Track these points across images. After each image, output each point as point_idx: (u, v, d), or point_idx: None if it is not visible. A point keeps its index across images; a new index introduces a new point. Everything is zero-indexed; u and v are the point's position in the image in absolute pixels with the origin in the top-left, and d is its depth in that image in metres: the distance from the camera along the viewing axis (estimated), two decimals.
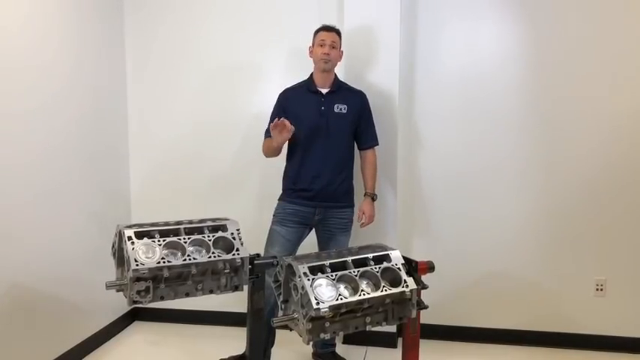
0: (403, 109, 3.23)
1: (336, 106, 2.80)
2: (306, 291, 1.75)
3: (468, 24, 3.20)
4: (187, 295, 2.05)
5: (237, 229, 2.16)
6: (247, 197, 3.47)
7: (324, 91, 2.83)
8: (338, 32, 2.83)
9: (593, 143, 3.11)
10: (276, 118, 2.62)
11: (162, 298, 2.00)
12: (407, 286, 1.91)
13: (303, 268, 1.81)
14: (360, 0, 3.11)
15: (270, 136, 2.74)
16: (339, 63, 2.88)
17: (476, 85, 3.21)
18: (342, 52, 2.89)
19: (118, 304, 3.14)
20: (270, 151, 2.82)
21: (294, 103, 2.84)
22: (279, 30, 3.35)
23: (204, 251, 2.05)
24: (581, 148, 3.12)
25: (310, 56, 2.84)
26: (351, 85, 2.95)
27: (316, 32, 2.83)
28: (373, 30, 3.11)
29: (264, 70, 3.41)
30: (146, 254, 1.94)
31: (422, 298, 2.04)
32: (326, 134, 2.78)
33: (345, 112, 2.81)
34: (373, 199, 2.93)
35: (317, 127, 2.77)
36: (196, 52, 3.47)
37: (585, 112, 3.10)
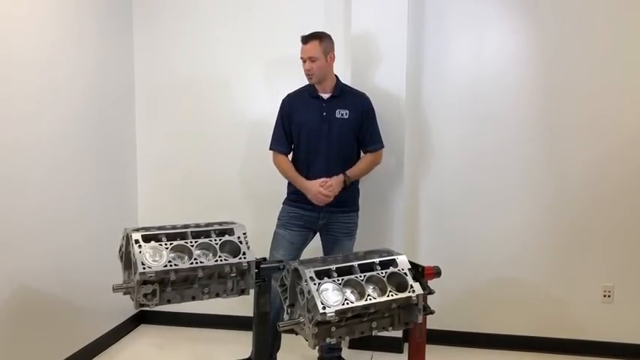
0: (410, 114, 3.22)
1: (337, 111, 2.79)
2: (313, 295, 1.75)
3: (474, 28, 3.20)
4: (194, 298, 2.06)
5: (244, 233, 2.17)
6: (252, 201, 3.48)
7: (326, 96, 2.82)
8: (319, 37, 2.72)
9: (601, 149, 3.09)
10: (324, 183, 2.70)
11: (168, 302, 2.01)
12: (413, 291, 1.90)
13: (309, 272, 1.81)
14: (366, 5, 3.12)
15: (281, 151, 2.83)
16: (334, 65, 2.82)
17: (483, 89, 3.20)
18: (332, 56, 2.78)
19: (125, 307, 3.15)
20: (284, 174, 2.87)
21: (297, 109, 2.84)
22: (285, 35, 3.34)
23: (210, 255, 2.06)
24: (589, 154, 3.11)
25: None
26: (355, 88, 2.93)
27: None
28: (380, 35, 3.11)
29: (271, 76, 3.42)
30: (153, 257, 1.95)
31: (428, 303, 2.04)
32: (329, 139, 2.77)
33: (347, 117, 2.79)
34: (345, 182, 2.77)
35: (319, 132, 2.78)
36: (205, 55, 3.48)
37: (593, 118, 3.09)
